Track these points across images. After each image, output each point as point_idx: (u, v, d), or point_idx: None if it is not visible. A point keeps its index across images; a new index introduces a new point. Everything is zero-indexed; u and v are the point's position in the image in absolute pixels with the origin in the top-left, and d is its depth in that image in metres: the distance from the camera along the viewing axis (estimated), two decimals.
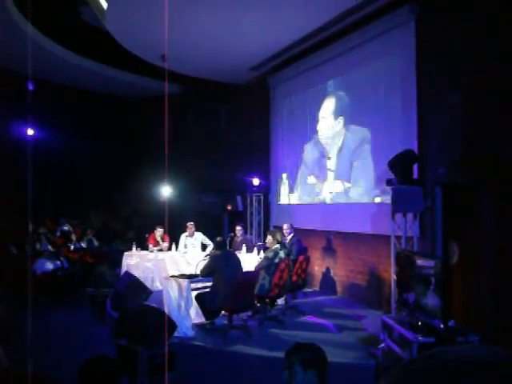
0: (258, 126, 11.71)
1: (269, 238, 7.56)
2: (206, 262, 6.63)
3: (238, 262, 6.71)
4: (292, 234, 8.74)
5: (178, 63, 10.67)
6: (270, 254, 7.25)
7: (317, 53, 9.68)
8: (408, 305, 5.17)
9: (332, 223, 9.38)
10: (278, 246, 7.36)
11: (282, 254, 7.29)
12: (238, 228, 10.01)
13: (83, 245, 11.80)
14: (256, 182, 10.96)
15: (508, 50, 5.85)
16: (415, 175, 6.86)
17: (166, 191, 11.49)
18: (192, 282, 6.54)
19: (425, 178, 6.90)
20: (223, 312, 6.51)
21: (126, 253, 9.54)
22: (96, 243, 11.95)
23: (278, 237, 7.60)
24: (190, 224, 9.81)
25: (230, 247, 9.15)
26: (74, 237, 12.13)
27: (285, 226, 8.80)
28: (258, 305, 7.09)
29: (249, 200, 11.58)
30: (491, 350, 0.79)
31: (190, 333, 6.26)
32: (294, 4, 7.94)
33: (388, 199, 7.05)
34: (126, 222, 14.46)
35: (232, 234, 10.10)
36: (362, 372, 5.22)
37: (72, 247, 11.61)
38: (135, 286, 7.24)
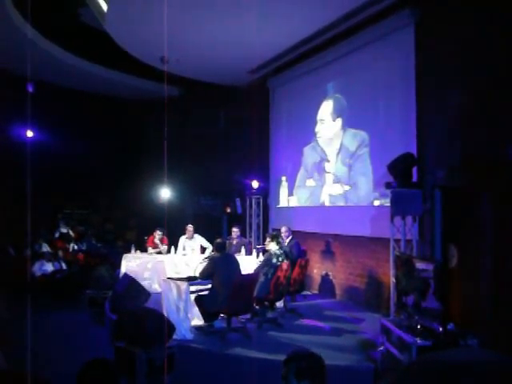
0: (257, 128, 11.71)
1: (268, 241, 7.55)
2: (204, 264, 6.62)
3: (236, 264, 6.70)
4: (290, 237, 8.73)
5: (177, 65, 10.69)
6: (269, 257, 7.24)
7: (316, 55, 9.70)
8: (407, 308, 5.16)
9: (331, 226, 9.37)
10: (277, 248, 7.35)
11: (281, 256, 7.28)
12: (235, 230, 9.92)
13: (82, 246, 11.79)
14: (255, 184, 10.96)
15: (508, 52, 5.86)
16: (414, 178, 6.86)
17: (165, 193, 11.49)
18: (191, 285, 6.53)
19: (424, 181, 6.89)
20: (222, 314, 6.51)
21: (124, 255, 9.52)
22: (95, 245, 11.94)
23: (278, 239, 7.59)
24: (189, 226, 9.79)
25: None
26: (72, 238, 12.12)
27: (283, 229, 8.78)
28: (257, 307, 7.08)
29: (248, 202, 11.57)
30: (489, 354, 0.80)
31: (189, 335, 6.24)
32: (294, 7, 7.95)
33: (387, 202, 7.06)
34: (120, 223, 14.54)
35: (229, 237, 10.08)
36: (361, 375, 5.21)
37: (71, 249, 11.60)
38: (134, 288, 7.23)
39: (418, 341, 4.38)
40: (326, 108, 9.64)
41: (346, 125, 9.01)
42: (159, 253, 9.74)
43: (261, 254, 8.60)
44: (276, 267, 7.07)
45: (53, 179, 12.17)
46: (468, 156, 6.31)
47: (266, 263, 7.16)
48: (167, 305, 6.60)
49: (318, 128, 9.84)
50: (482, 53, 6.21)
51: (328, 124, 9.54)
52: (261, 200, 11.41)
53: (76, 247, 11.77)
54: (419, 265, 4.96)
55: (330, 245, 9.50)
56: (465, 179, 6.24)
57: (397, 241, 6.58)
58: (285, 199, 11.12)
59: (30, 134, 11.62)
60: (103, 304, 7.57)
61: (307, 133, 10.17)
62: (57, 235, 12.31)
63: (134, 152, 14.49)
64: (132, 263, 9.31)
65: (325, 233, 9.61)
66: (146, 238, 10.07)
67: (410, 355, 4.41)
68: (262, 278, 6.99)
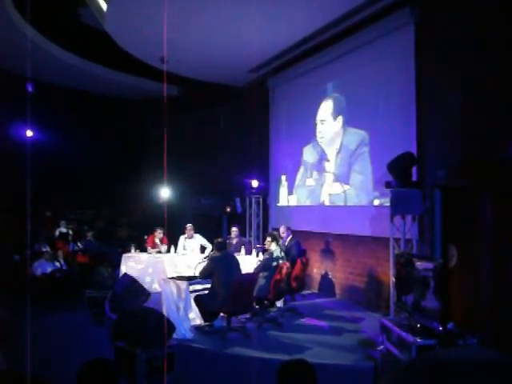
0: (257, 127, 11.71)
1: (268, 240, 7.55)
2: (205, 263, 6.62)
3: (237, 263, 6.70)
4: (290, 236, 8.73)
5: (177, 65, 10.68)
6: (269, 256, 7.24)
7: (316, 55, 9.69)
8: (407, 307, 5.17)
9: (331, 225, 9.38)
10: (276, 248, 7.35)
11: (280, 256, 7.28)
12: (234, 229, 9.93)
13: (82, 246, 11.78)
14: (255, 183, 10.96)
15: (508, 51, 5.86)
16: (414, 177, 6.87)
17: (165, 193, 11.49)
18: (191, 284, 6.53)
19: (424, 181, 6.91)
20: (222, 314, 6.51)
21: (124, 254, 9.52)
22: (95, 244, 11.93)
23: (277, 239, 7.59)
24: (189, 226, 9.78)
25: None
26: (72, 238, 12.11)
27: (281, 229, 8.79)
28: (257, 307, 7.08)
29: (248, 202, 11.58)
30: (489, 352, 0.80)
31: (189, 335, 6.25)
32: (294, 6, 7.95)
33: (387, 201, 7.06)
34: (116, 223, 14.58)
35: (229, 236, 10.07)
36: (361, 374, 5.21)
37: (71, 248, 11.59)
38: (134, 288, 7.24)
39: (418, 340, 4.39)
40: (327, 108, 9.64)
41: (346, 124, 9.01)
42: (159, 252, 9.73)
43: (260, 254, 8.60)
44: (276, 266, 7.07)
45: (53, 179, 12.16)
46: (468, 156, 6.31)
47: (266, 265, 7.15)
48: (167, 304, 6.60)
49: (320, 129, 9.83)
50: (482, 52, 6.21)
51: (329, 124, 9.53)
52: (261, 199, 11.41)
53: (76, 247, 11.77)
54: (419, 264, 4.96)
55: (330, 244, 9.50)
56: (465, 179, 6.24)
57: (397, 240, 6.59)
58: (284, 198, 11.12)
59: (29, 133, 11.61)
60: (103, 304, 7.57)
61: (307, 132, 10.16)
62: (57, 234, 12.30)
63: (133, 152, 14.49)
64: (132, 263, 9.30)
65: (325, 232, 9.61)
66: (145, 237, 10.07)
67: (409, 354, 4.41)
68: (262, 282, 6.99)
